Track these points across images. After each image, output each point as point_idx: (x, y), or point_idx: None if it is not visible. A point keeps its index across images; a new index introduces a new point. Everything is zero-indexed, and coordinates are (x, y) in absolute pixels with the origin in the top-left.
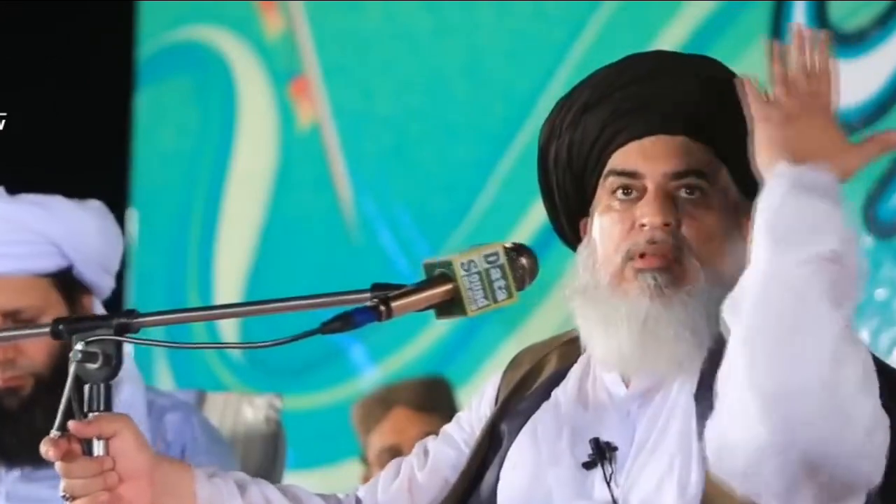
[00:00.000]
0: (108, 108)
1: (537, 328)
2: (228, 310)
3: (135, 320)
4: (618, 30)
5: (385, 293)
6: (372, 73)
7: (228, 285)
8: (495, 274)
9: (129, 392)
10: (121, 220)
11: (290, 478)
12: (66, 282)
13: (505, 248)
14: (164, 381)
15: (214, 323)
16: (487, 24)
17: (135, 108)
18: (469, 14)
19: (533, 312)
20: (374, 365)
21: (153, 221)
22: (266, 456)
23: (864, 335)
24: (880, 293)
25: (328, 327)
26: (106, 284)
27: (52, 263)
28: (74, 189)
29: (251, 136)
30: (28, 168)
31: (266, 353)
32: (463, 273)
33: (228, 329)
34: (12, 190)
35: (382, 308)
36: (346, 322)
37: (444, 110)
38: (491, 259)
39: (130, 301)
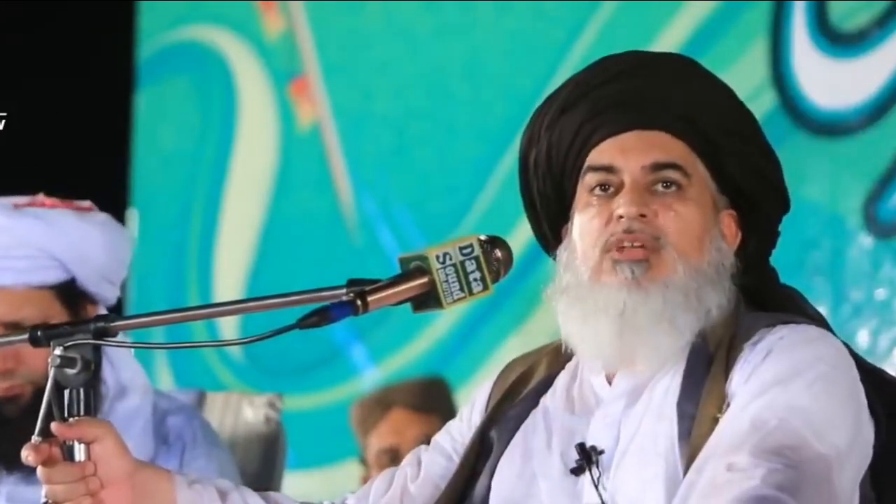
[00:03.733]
0: (108, 107)
1: (537, 329)
2: (207, 310)
3: (112, 324)
4: (618, 30)
5: (361, 288)
6: (372, 73)
7: (228, 285)
8: (470, 266)
9: (136, 400)
10: (121, 220)
11: (290, 478)
12: (69, 293)
13: (480, 240)
14: (164, 381)
15: (215, 322)
16: (487, 24)
17: (135, 108)
18: (469, 14)
19: (532, 313)
20: (374, 365)
21: (153, 221)
22: (266, 456)
23: (864, 335)
24: (880, 293)
25: (305, 322)
26: (110, 294)
27: (54, 276)
28: (74, 189)
29: (251, 136)
30: (28, 168)
31: (266, 352)
32: (438, 266)
33: (229, 328)
34: (12, 190)
35: (359, 302)
36: (322, 317)
37: (444, 110)
38: (466, 251)
39: (131, 301)
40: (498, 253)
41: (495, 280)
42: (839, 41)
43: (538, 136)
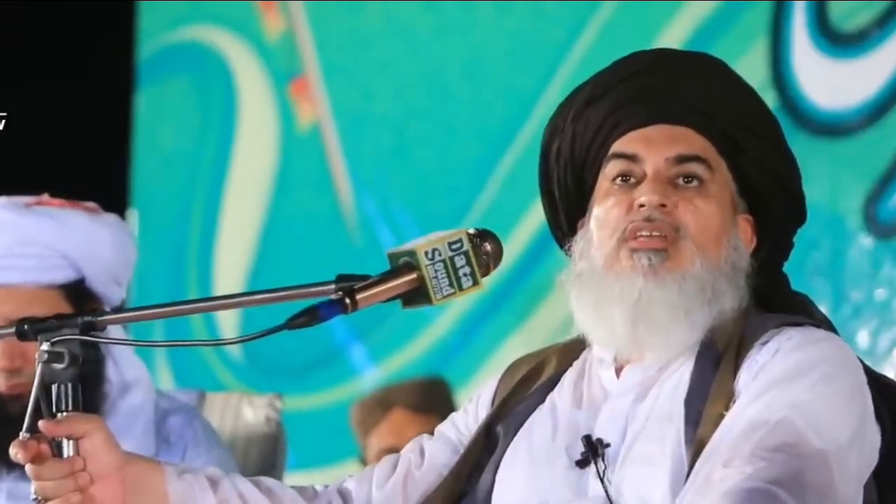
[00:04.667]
0: (108, 107)
1: (537, 329)
2: (195, 305)
3: (100, 318)
4: (618, 30)
5: (350, 285)
6: (372, 73)
7: (228, 286)
8: (460, 261)
9: (139, 398)
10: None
11: (291, 478)
12: (76, 293)
13: (469, 234)
14: (164, 380)
15: (214, 321)
16: (487, 24)
17: (135, 108)
18: (469, 14)
19: (533, 313)
20: (374, 365)
21: (153, 221)
22: (266, 456)
23: (864, 335)
24: (880, 293)
25: (294, 322)
26: (116, 295)
27: (63, 275)
28: (74, 189)
29: (251, 136)
30: (28, 168)
31: (266, 353)
32: (427, 262)
33: (229, 326)
34: (12, 190)
35: (347, 301)
36: (312, 316)
37: (444, 110)
38: (455, 246)
39: (131, 301)
40: (487, 246)
41: (485, 274)
42: (839, 41)
43: (563, 127)
